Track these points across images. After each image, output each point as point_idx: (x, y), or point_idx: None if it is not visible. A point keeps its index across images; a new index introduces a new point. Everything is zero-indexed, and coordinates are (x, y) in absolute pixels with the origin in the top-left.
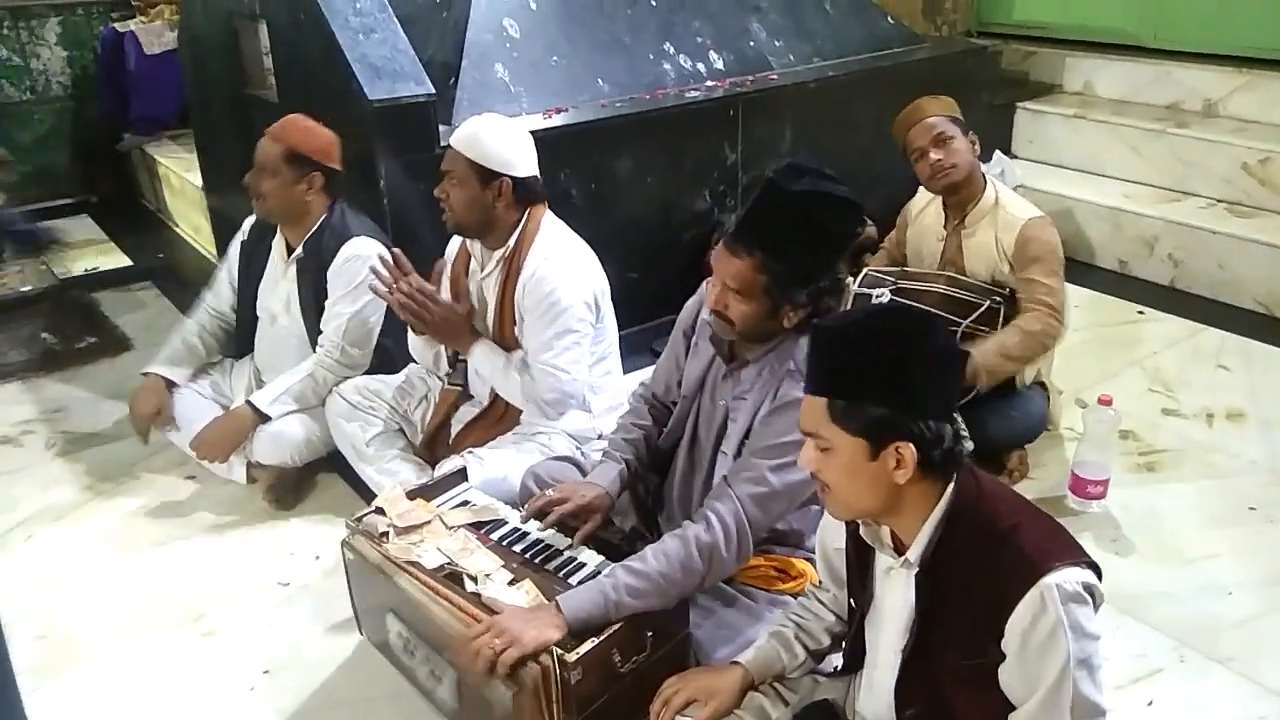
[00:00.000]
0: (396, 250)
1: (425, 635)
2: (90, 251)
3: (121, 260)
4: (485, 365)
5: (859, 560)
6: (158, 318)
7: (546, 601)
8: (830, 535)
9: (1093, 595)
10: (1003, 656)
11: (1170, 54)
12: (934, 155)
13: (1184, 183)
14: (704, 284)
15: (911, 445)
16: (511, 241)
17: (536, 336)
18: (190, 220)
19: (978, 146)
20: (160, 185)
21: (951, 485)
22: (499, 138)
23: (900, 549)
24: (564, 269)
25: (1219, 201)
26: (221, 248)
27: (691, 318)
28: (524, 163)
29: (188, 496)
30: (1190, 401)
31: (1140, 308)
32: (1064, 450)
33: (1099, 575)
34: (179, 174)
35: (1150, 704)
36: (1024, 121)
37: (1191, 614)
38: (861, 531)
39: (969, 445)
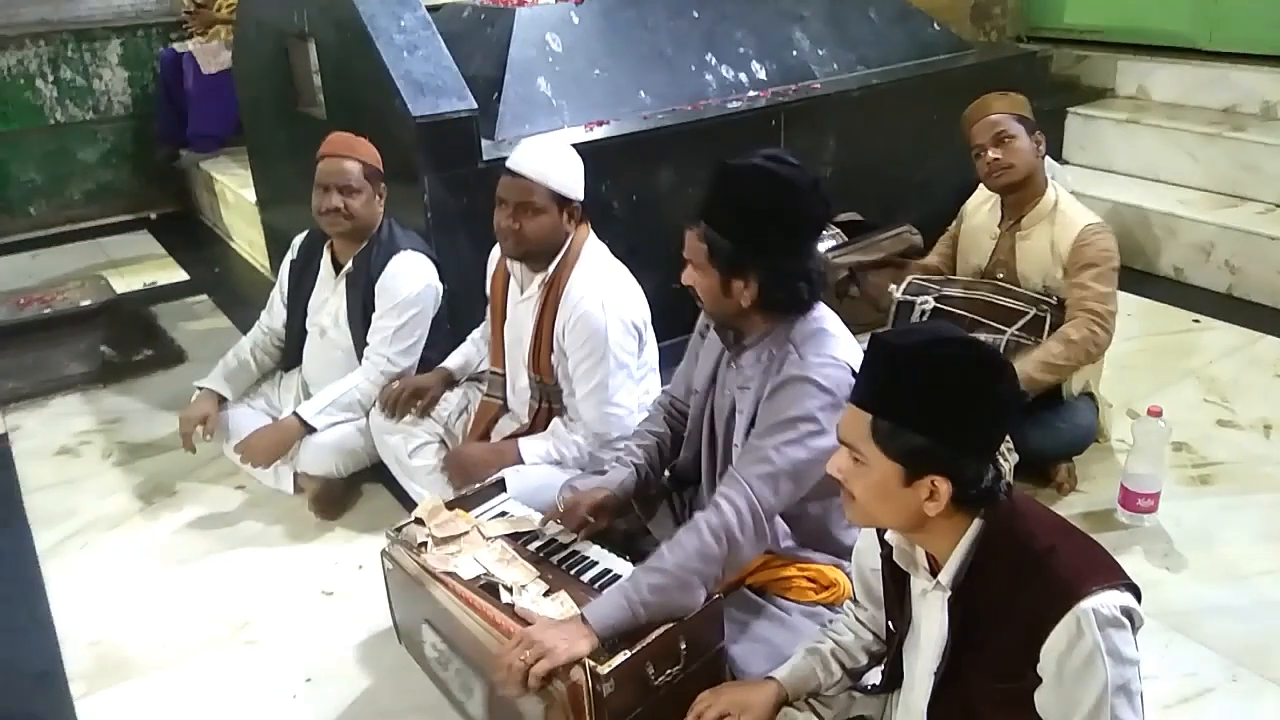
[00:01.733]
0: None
1: (459, 647)
2: (149, 266)
3: (179, 275)
4: (537, 455)
5: (895, 582)
6: (213, 330)
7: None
8: (866, 557)
9: (1131, 619)
10: (1038, 680)
11: (1226, 56)
12: (993, 154)
13: (1241, 187)
14: None
15: (949, 481)
16: (552, 268)
17: (588, 380)
18: (245, 235)
19: (1043, 147)
20: (217, 201)
21: (984, 511)
22: (568, 163)
23: (935, 570)
24: (607, 304)
25: (1277, 206)
26: (275, 261)
27: (705, 316)
28: (582, 185)
29: (237, 506)
30: (1246, 412)
31: (1196, 316)
32: (1114, 463)
33: (1138, 597)
34: (234, 190)
35: None
36: (1075, 127)
37: (1246, 632)
38: (895, 556)
39: (1007, 484)
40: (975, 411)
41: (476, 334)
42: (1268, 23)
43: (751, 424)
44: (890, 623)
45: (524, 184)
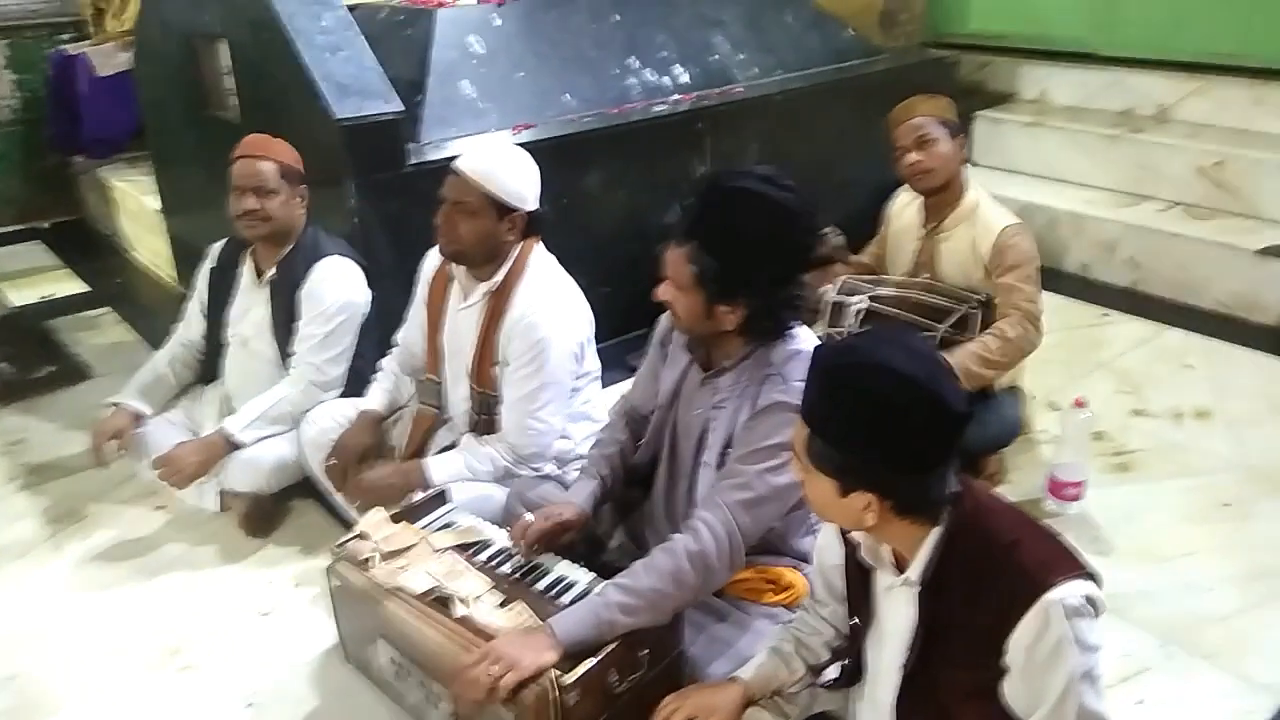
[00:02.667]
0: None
1: (419, 660)
2: (44, 278)
3: (77, 286)
4: (446, 475)
5: (858, 577)
6: (118, 344)
7: (540, 621)
8: (828, 554)
9: (1094, 605)
10: (1004, 671)
11: (1123, 61)
12: (913, 156)
13: (1141, 187)
14: None
15: (878, 499)
16: (500, 276)
17: (520, 387)
18: (148, 244)
19: (964, 151)
20: (115, 209)
21: (946, 511)
22: (519, 171)
23: (901, 566)
24: (554, 317)
25: (1176, 204)
26: (182, 272)
27: (667, 328)
28: (535, 197)
29: (158, 528)
30: (1158, 401)
31: (1105, 310)
32: (1039, 453)
33: (1099, 583)
34: (135, 197)
35: (1140, 703)
36: (982, 130)
37: (1174, 612)
38: (862, 552)
39: (954, 493)
40: (903, 436)
41: (388, 363)
42: (1161, 28)
43: (727, 444)
44: (855, 617)
45: (463, 183)
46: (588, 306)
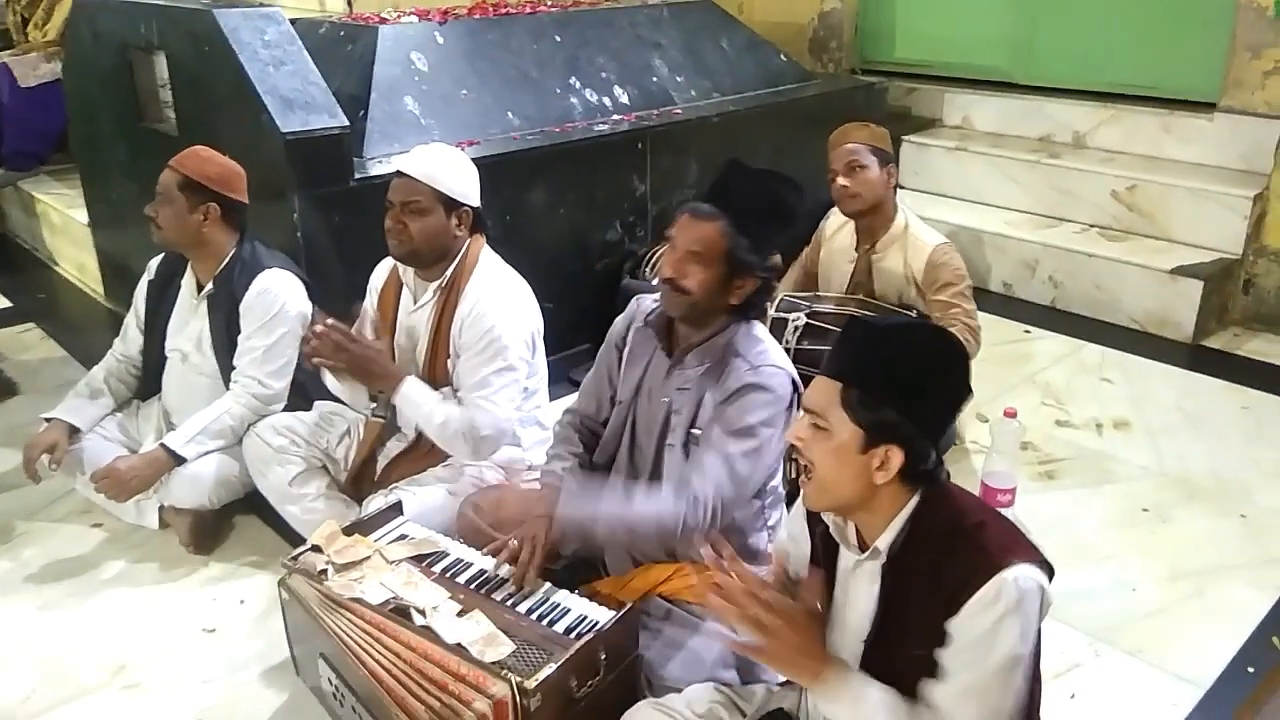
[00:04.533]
0: (319, 312)
1: (354, 685)
2: None
3: (0, 301)
4: (410, 406)
5: (825, 561)
6: (46, 360)
7: (498, 631)
8: (793, 548)
9: (1044, 595)
10: (948, 640)
11: (1041, 90)
12: (842, 181)
13: (1059, 209)
14: (633, 302)
15: (902, 453)
16: (449, 273)
17: (474, 373)
18: (73, 259)
19: (894, 179)
20: (38, 222)
21: (921, 489)
22: (459, 167)
23: (864, 547)
24: (504, 306)
25: (1092, 226)
26: (110, 286)
27: (623, 330)
28: (476, 193)
29: (95, 545)
30: (1079, 413)
31: (1027, 327)
32: (970, 462)
33: (1051, 578)
34: (61, 211)
35: (1073, 697)
36: (909, 154)
37: (1102, 611)
38: (830, 530)
39: (946, 470)
40: (937, 392)
41: (100, 373)
42: (1076, 60)
43: (691, 424)
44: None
45: (410, 184)
46: (535, 303)
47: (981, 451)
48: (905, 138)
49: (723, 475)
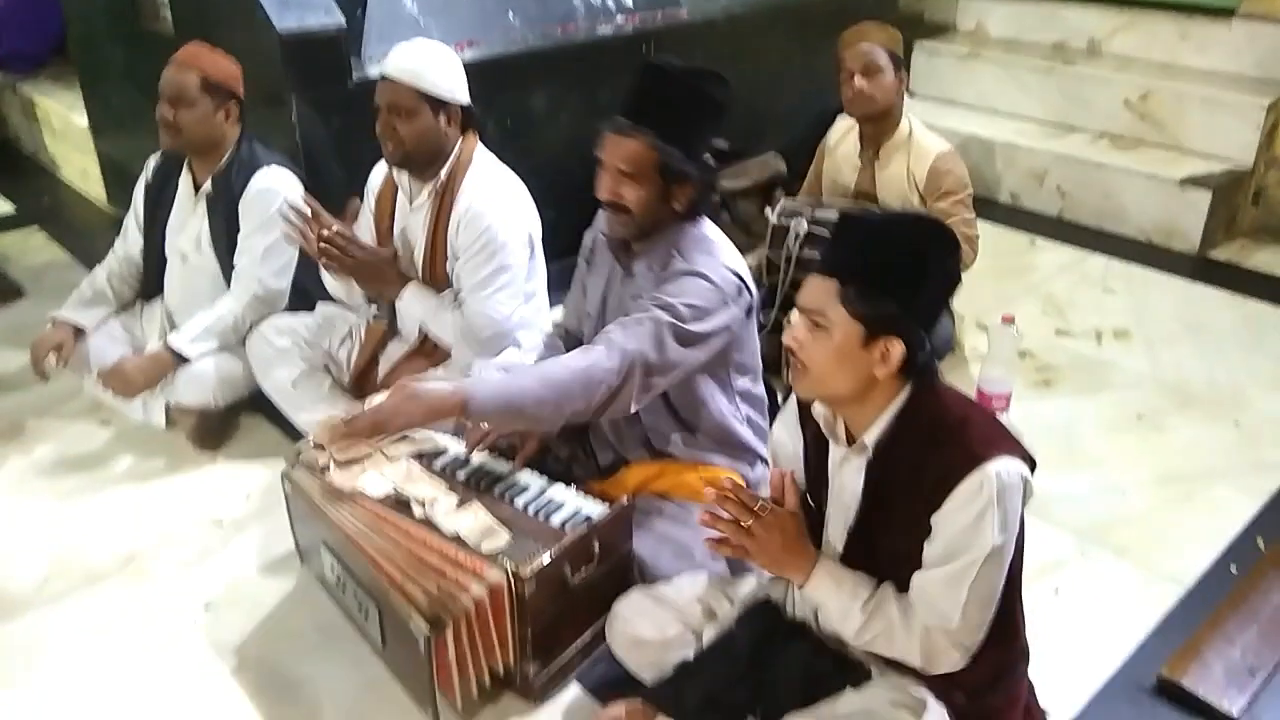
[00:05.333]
0: (308, 196)
1: (354, 572)
2: None
3: (3, 206)
4: (415, 307)
5: (816, 460)
6: (50, 263)
7: (496, 524)
8: (785, 448)
9: (1026, 487)
10: (930, 533)
11: None
12: (859, 82)
13: (1070, 118)
14: (599, 214)
15: (902, 344)
16: (444, 174)
17: (473, 274)
18: (75, 163)
19: (905, 85)
20: (38, 127)
21: (912, 382)
22: (445, 64)
23: (852, 441)
24: (500, 205)
25: (1103, 135)
26: (112, 190)
27: (589, 243)
28: (464, 89)
29: (104, 443)
30: (1080, 322)
31: (1032, 237)
32: (968, 369)
33: (1033, 471)
34: (61, 114)
35: (1056, 591)
36: (920, 60)
37: (1091, 513)
38: (818, 413)
39: (938, 362)
40: (933, 280)
41: (102, 274)
42: None
43: None
44: (811, 499)
45: (394, 86)
46: (531, 202)
47: (980, 359)
48: (917, 42)
49: (644, 332)
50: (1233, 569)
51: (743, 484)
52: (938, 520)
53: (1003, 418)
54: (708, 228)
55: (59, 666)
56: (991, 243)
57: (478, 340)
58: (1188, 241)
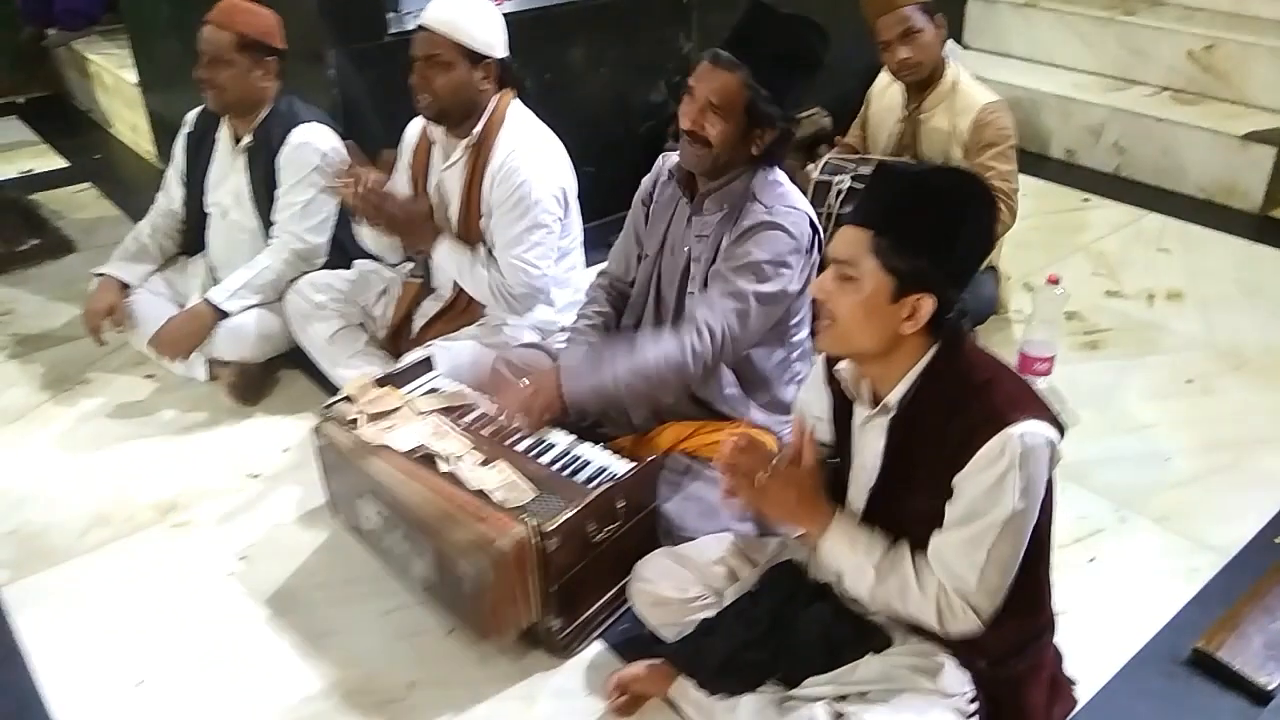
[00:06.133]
0: (350, 142)
1: (404, 513)
2: (24, 153)
3: (57, 162)
4: (450, 262)
5: (841, 417)
6: (101, 219)
7: (521, 480)
8: (813, 406)
9: (1053, 451)
10: (951, 494)
11: None
12: (903, 52)
13: (1130, 71)
14: (659, 159)
15: (932, 300)
16: (478, 129)
17: (506, 230)
18: (126, 119)
19: (944, 30)
20: (92, 83)
21: (939, 342)
22: (483, 17)
23: (877, 401)
24: (535, 161)
25: (1164, 89)
26: (162, 147)
27: (650, 187)
28: (503, 43)
29: (148, 395)
30: (1132, 283)
31: (1086, 195)
32: (1013, 332)
33: (1062, 435)
34: (112, 71)
35: (1092, 560)
36: (975, 11)
37: (1132, 479)
38: (842, 373)
39: (980, 324)
40: (967, 237)
41: (145, 228)
42: None
43: (710, 268)
44: (839, 458)
45: (431, 37)
46: (568, 159)
47: (1025, 321)
48: None
49: (729, 307)
50: (1277, 540)
51: (770, 441)
52: (959, 481)
53: (1045, 381)
54: (778, 173)
55: (97, 614)
56: (1043, 200)
57: (510, 296)
58: (1249, 200)
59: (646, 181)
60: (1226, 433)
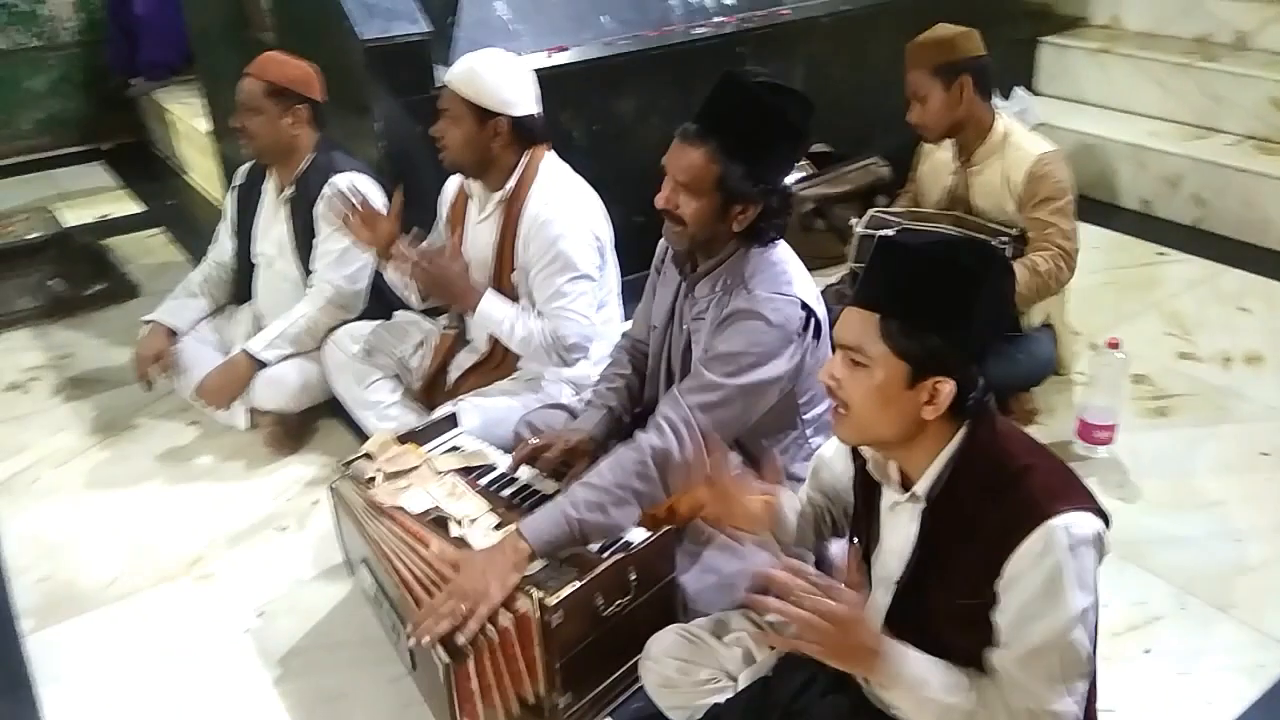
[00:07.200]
0: (354, 190)
1: (386, 591)
2: (102, 199)
3: (133, 207)
4: (492, 320)
5: (865, 497)
6: (168, 264)
7: None
8: (835, 466)
9: (1100, 544)
10: (996, 597)
11: None
12: (910, 115)
13: (1211, 119)
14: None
15: (952, 383)
16: (511, 184)
17: (548, 285)
18: (200, 167)
19: (966, 92)
20: (169, 131)
21: (967, 424)
22: (497, 75)
23: (907, 484)
24: (567, 213)
25: (1247, 138)
26: None
27: (663, 250)
28: (523, 101)
29: (190, 442)
30: (1207, 345)
31: (1161, 249)
32: (1075, 395)
33: (1108, 524)
34: (186, 120)
35: (1147, 652)
36: (1048, 56)
37: (1197, 561)
38: (869, 467)
39: (993, 404)
40: (983, 309)
41: (197, 277)
42: None
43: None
44: (855, 538)
45: (446, 92)
46: (603, 207)
47: (1088, 383)
48: (1043, 39)
49: (694, 401)
50: None
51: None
52: (1003, 588)
53: (1106, 451)
54: (780, 252)
55: (113, 669)
56: (1115, 254)
57: (563, 348)
58: None
59: (660, 246)
60: None
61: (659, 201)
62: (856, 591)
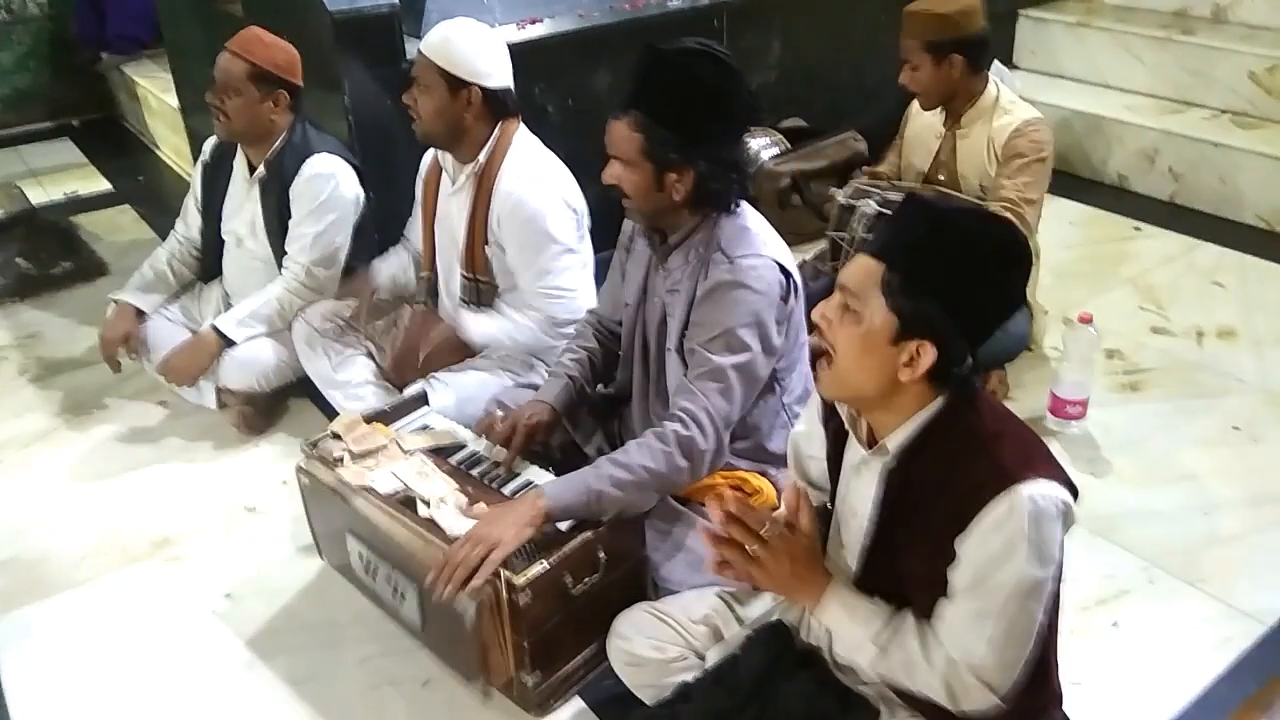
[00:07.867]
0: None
1: (387, 554)
2: (70, 175)
3: (101, 184)
4: (488, 329)
5: (835, 459)
6: (136, 242)
7: None
8: (808, 443)
9: (1065, 515)
10: (956, 559)
11: None
12: (903, 76)
13: (1188, 93)
14: None
15: (934, 350)
16: (483, 157)
17: (532, 265)
18: (170, 142)
19: (956, 70)
20: (140, 106)
21: (946, 395)
22: (471, 45)
23: (874, 443)
24: (541, 189)
25: (1223, 112)
26: None
27: (630, 231)
28: (497, 73)
29: (158, 423)
30: (1181, 319)
31: (1137, 224)
32: (1047, 370)
33: (1076, 498)
34: (157, 94)
35: (1115, 625)
36: (1026, 30)
37: (1166, 535)
38: (842, 412)
39: (978, 381)
40: (987, 291)
41: (164, 254)
42: None
43: (684, 327)
44: (830, 501)
45: (417, 61)
46: (574, 180)
47: (1061, 359)
48: (1022, 12)
49: (709, 388)
50: None
51: (768, 491)
52: (963, 545)
53: (1077, 426)
54: (747, 218)
55: (78, 652)
56: (1091, 229)
57: (560, 323)
58: None
59: (626, 225)
60: (1275, 487)
61: (604, 178)
62: (803, 533)
